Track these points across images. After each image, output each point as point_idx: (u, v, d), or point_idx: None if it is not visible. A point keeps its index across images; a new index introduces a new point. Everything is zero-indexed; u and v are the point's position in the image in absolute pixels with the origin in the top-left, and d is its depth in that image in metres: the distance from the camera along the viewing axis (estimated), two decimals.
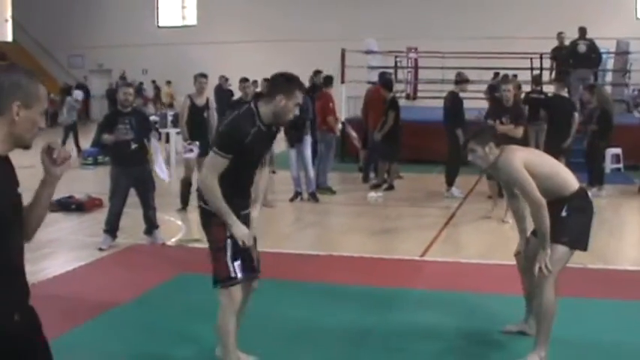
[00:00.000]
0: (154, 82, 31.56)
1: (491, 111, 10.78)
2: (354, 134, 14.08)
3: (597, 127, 12.40)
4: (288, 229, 10.25)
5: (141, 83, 30.05)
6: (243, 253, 4.53)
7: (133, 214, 9.18)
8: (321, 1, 29.95)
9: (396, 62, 21.54)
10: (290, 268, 7.62)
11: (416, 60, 22.33)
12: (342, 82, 17.43)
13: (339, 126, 13.65)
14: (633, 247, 9.61)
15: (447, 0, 28.06)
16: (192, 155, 10.71)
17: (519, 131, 9.77)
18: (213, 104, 11.26)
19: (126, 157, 8.52)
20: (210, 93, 12.31)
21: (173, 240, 9.20)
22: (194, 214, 10.70)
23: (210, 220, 4.52)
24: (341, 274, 7.50)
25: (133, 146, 8.53)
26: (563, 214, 4.95)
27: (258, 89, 15.19)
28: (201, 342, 5.48)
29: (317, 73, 14.53)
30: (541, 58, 18.52)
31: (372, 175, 13.96)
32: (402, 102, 16.22)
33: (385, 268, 7.90)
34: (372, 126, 13.43)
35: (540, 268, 4.86)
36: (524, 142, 9.52)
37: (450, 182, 12.35)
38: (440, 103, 12.90)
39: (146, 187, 8.78)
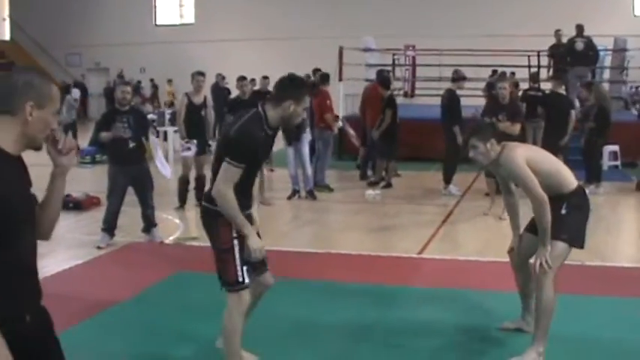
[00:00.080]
0: (151, 80, 31.56)
1: (488, 108, 10.84)
2: (351, 132, 14.09)
3: (595, 124, 12.41)
4: (285, 227, 10.26)
5: (139, 82, 30.04)
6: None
7: (130, 213, 9.19)
8: None
9: (393, 60, 21.52)
10: (288, 265, 7.60)
11: (413, 58, 22.34)
12: (340, 79, 17.43)
13: (340, 124, 13.63)
14: (630, 244, 9.61)
15: None
16: (190, 153, 10.72)
17: (516, 128, 9.89)
18: (210, 102, 11.25)
19: (124, 156, 8.52)
20: (207, 91, 12.30)
21: (171, 238, 9.21)
22: (192, 212, 10.76)
23: (215, 220, 4.42)
24: (339, 272, 7.51)
25: (131, 145, 8.54)
26: (563, 211, 4.99)
27: (256, 87, 15.22)
28: (199, 340, 5.49)
29: (316, 71, 14.54)
30: (539, 55, 18.54)
31: (369, 172, 13.97)
32: (399, 100, 16.24)
33: (383, 266, 7.91)
34: (369, 124, 13.44)
35: (541, 263, 4.90)
36: (521, 139, 9.53)
37: (447, 180, 12.36)
38: (438, 100, 12.91)
39: (144, 186, 8.78)
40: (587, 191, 5.44)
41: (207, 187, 4.62)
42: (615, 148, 15.07)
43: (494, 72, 18.15)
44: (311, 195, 11.97)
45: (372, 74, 16.56)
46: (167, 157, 14.91)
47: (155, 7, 33.75)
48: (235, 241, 4.41)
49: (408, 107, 17.87)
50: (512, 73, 18.81)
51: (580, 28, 16.51)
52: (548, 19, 21.94)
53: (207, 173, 10.77)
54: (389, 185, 13.09)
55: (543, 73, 17.53)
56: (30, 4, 33.01)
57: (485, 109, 10.98)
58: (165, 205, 10.55)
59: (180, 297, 6.67)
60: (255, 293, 4.76)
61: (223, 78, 21.37)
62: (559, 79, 13.34)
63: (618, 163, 15.31)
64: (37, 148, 2.72)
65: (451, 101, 12.20)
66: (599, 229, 8.88)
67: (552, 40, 17.71)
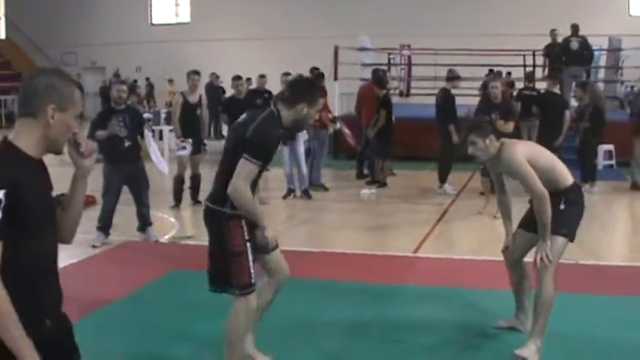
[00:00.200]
0: (147, 79, 31.52)
1: (481, 107, 10.90)
2: (347, 131, 14.10)
3: (590, 124, 12.43)
4: (281, 226, 10.25)
5: (135, 81, 30.00)
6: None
7: (126, 212, 9.19)
8: None
9: (389, 59, 21.55)
10: None
11: (409, 57, 22.35)
12: (336, 79, 17.43)
13: (337, 125, 13.63)
14: (625, 243, 9.64)
15: None
16: (185, 152, 10.73)
17: (509, 127, 9.99)
18: (205, 102, 11.26)
19: (119, 155, 8.52)
20: (201, 90, 12.31)
21: (166, 237, 9.21)
22: (187, 211, 10.78)
23: (227, 223, 4.37)
24: (334, 271, 7.53)
25: (127, 144, 8.54)
26: (562, 206, 5.07)
27: (253, 86, 15.22)
28: (194, 338, 5.50)
29: (314, 70, 14.53)
30: (534, 55, 18.57)
31: (366, 171, 13.99)
32: (395, 99, 16.24)
33: (378, 265, 7.92)
34: (364, 123, 13.46)
35: (542, 258, 4.97)
36: (515, 137, 9.56)
37: (442, 179, 12.39)
38: (433, 100, 12.92)
39: (139, 185, 8.78)
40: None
41: (212, 188, 4.55)
42: (610, 147, 15.11)
43: (491, 71, 18.18)
44: (306, 194, 11.98)
45: (368, 73, 16.57)
46: (163, 156, 14.93)
47: (151, 6, 33.73)
48: (248, 244, 4.39)
49: (403, 106, 17.89)
50: (509, 73, 18.84)
51: (575, 28, 16.54)
52: (543, 19, 21.96)
53: (203, 172, 10.91)
54: (384, 184, 13.11)
55: (539, 73, 17.58)
56: (25, 2, 32.97)
57: (478, 108, 11.05)
58: (161, 203, 10.56)
59: (175, 296, 6.68)
60: (271, 290, 4.76)
61: (217, 77, 21.36)
62: (554, 78, 13.37)
63: (613, 162, 15.34)
64: (58, 152, 2.70)
65: (446, 100, 12.22)
66: (593, 228, 8.90)
67: (548, 40, 17.74)
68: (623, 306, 6.29)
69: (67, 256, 8.07)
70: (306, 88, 4.56)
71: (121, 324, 5.94)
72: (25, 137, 2.60)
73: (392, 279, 7.24)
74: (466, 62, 16.77)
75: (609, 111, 14.34)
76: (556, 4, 25.19)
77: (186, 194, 11.00)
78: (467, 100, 13.81)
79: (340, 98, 17.83)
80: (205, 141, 10.85)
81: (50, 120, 2.60)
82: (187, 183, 10.99)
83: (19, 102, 2.66)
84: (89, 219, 9.61)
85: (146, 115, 14.74)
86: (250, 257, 4.39)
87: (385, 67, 19.03)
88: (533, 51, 18.46)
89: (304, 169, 11.98)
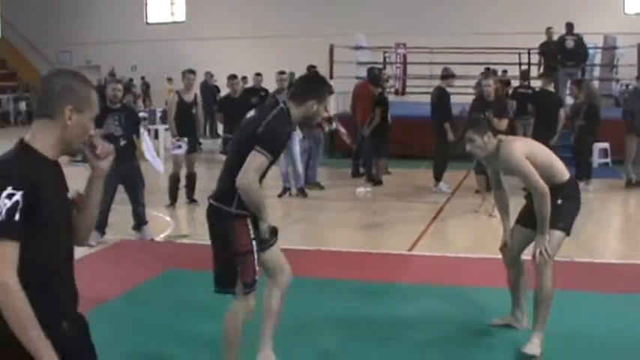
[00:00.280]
0: (142, 78, 31.49)
1: (475, 106, 10.93)
2: (342, 130, 14.10)
3: (584, 121, 12.46)
4: (276, 224, 10.23)
5: (130, 79, 29.97)
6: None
7: (121, 211, 9.18)
8: None
9: (384, 58, 21.56)
10: None
11: (404, 56, 22.36)
12: (331, 77, 17.41)
13: (333, 125, 13.63)
14: (619, 240, 9.67)
15: None
16: (181, 151, 10.73)
17: (504, 123, 10.03)
18: (200, 100, 11.26)
19: (114, 154, 8.49)
20: (197, 89, 12.31)
21: (162, 236, 9.21)
22: (183, 209, 10.78)
23: (232, 222, 4.34)
24: (330, 269, 7.53)
25: (122, 142, 8.53)
26: (559, 201, 5.11)
27: (249, 84, 15.23)
28: (190, 337, 5.49)
29: (311, 68, 14.53)
30: (529, 53, 18.59)
31: (361, 170, 14.00)
32: (390, 97, 16.25)
33: (373, 263, 7.94)
34: (359, 121, 13.47)
35: (540, 252, 5.02)
36: (509, 134, 9.60)
37: (437, 177, 12.40)
38: (428, 98, 12.94)
39: (135, 184, 8.78)
40: None
41: (217, 186, 4.52)
42: (605, 145, 15.13)
43: (487, 69, 18.19)
44: (302, 192, 11.98)
45: (363, 72, 16.57)
46: (158, 155, 14.94)
47: (146, 4, 33.67)
48: (254, 242, 4.37)
49: (398, 105, 17.89)
50: (504, 71, 18.87)
51: (570, 26, 16.54)
52: (538, 17, 21.97)
53: (198, 171, 10.91)
54: (379, 183, 13.12)
55: (534, 71, 17.59)
56: (20, 1, 32.90)
57: (472, 106, 11.07)
58: (156, 202, 10.55)
59: (170, 294, 6.67)
60: (282, 287, 4.76)
61: (212, 76, 21.35)
62: (549, 76, 13.40)
63: (608, 160, 15.38)
64: (73, 154, 2.71)
65: (441, 99, 12.22)
66: (588, 225, 8.92)
67: (543, 38, 17.75)
68: (618, 303, 6.30)
69: None
70: (316, 84, 4.55)
71: (117, 322, 5.93)
72: (41, 138, 2.59)
73: (387, 277, 7.25)
74: (461, 61, 16.79)
75: (604, 109, 14.39)
76: (551, 3, 25.20)
77: (182, 193, 11.00)
78: (462, 98, 13.81)
79: (336, 97, 17.78)
80: (201, 140, 10.85)
81: (67, 121, 2.58)
82: (183, 182, 10.99)
83: (36, 103, 2.65)
84: None
85: (142, 114, 14.72)
86: (256, 256, 4.38)
87: (381, 66, 19.04)
88: (529, 49, 18.48)
89: (300, 168, 11.98)
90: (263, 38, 29.17)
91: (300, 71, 16.72)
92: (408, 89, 21.90)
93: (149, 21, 33.59)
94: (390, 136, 13.36)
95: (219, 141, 13.47)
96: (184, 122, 10.73)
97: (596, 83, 17.60)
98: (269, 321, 4.70)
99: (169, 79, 28.98)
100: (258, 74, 14.36)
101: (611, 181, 13.46)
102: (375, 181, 13.10)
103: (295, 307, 6.21)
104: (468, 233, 9.61)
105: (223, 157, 12.18)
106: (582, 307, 6.17)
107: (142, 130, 9.95)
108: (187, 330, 5.62)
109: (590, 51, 17.92)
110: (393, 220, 10.40)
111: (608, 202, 12.06)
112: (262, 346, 4.72)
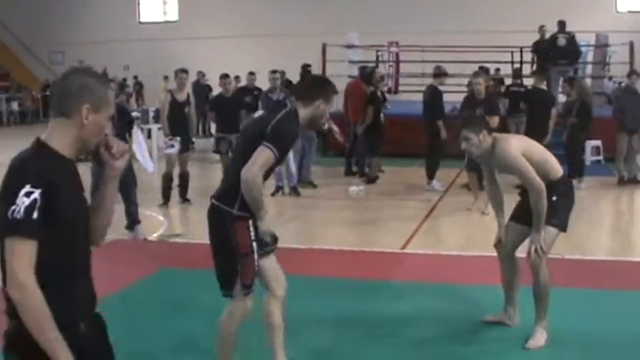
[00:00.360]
0: (135, 77, 31.45)
1: (466, 104, 10.96)
2: (335, 128, 14.10)
3: (577, 119, 12.50)
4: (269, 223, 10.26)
5: (124, 79, 29.90)
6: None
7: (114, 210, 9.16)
8: None
9: (377, 56, 21.57)
10: None
11: (397, 54, 22.38)
12: None
13: (326, 126, 13.61)
14: (611, 238, 9.71)
15: None
16: (174, 150, 10.73)
17: (494, 121, 9.99)
18: (193, 100, 11.27)
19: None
20: (189, 89, 12.30)
21: (155, 235, 9.21)
22: (175, 209, 10.78)
23: (233, 224, 4.33)
24: (323, 267, 7.55)
25: None
26: (554, 198, 5.15)
27: (242, 84, 15.23)
28: (182, 336, 5.50)
29: (306, 67, 14.55)
30: (521, 51, 18.62)
31: (354, 168, 14.02)
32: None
33: (366, 261, 7.96)
34: (352, 119, 13.48)
35: (536, 249, 5.07)
36: (501, 132, 9.64)
37: (430, 175, 12.42)
38: (421, 96, 12.95)
39: (127, 183, 8.76)
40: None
41: (220, 186, 4.52)
42: (598, 143, 15.17)
43: (481, 68, 18.20)
44: (294, 191, 11.99)
45: (356, 71, 16.61)
46: (151, 155, 14.93)
47: (139, 4, 33.63)
48: (254, 244, 4.38)
49: (391, 103, 17.88)
50: (497, 69, 18.91)
51: (562, 24, 16.58)
52: (530, 16, 21.99)
53: (191, 170, 10.91)
54: (373, 181, 13.13)
55: (527, 69, 17.61)
56: (13, 2, 32.82)
57: (463, 104, 11.10)
58: (149, 202, 10.55)
59: (163, 293, 6.67)
60: (281, 299, 4.77)
61: (204, 75, 21.34)
62: (541, 74, 13.42)
63: (601, 157, 15.42)
64: (88, 153, 2.71)
65: (433, 97, 12.24)
66: (580, 222, 8.93)
67: (536, 36, 17.78)
68: (609, 300, 6.34)
69: None
70: (322, 84, 4.60)
71: (110, 322, 5.89)
72: (58, 137, 2.58)
73: (380, 275, 7.27)
74: (454, 59, 16.82)
75: (596, 107, 14.42)
76: (544, 1, 25.22)
77: (175, 192, 10.99)
78: (455, 96, 13.84)
79: None
80: (193, 139, 10.84)
81: (84, 120, 2.57)
82: (176, 181, 10.99)
83: (53, 102, 2.64)
84: None
85: (134, 114, 14.71)
86: (256, 257, 4.39)
87: (373, 64, 19.06)
88: (521, 47, 18.51)
89: (292, 167, 11.99)
90: (256, 37, 29.15)
91: (293, 70, 16.89)
92: (400, 87, 21.91)
93: (142, 20, 33.55)
94: (383, 133, 13.36)
95: (212, 140, 13.47)
96: (177, 121, 10.73)
97: (588, 81, 17.62)
98: (277, 337, 4.71)
99: (165, 78, 28.95)
100: (252, 73, 14.35)
101: (603, 178, 13.50)
102: (370, 179, 13.12)
103: (288, 305, 6.22)
104: (460, 231, 9.64)
105: (216, 157, 12.25)
106: (573, 304, 6.18)
107: (135, 129, 9.94)
108: (181, 329, 5.62)
109: (583, 49, 17.97)
110: (386, 218, 10.42)
111: (600, 200, 12.10)
112: (276, 358, 4.71)
